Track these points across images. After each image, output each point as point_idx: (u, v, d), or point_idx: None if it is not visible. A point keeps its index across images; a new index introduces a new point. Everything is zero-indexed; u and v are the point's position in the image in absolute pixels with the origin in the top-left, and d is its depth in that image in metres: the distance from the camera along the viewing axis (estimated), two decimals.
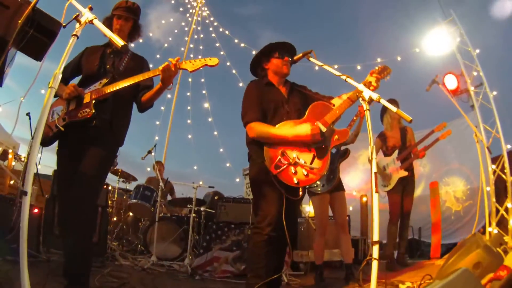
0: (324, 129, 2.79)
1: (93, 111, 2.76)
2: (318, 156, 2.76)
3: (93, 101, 2.80)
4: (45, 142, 2.90)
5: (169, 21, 13.34)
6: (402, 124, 5.61)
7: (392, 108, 2.41)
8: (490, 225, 5.71)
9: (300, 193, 2.84)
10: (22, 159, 7.71)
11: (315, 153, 2.78)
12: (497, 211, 6.05)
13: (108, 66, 3.05)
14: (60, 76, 2.17)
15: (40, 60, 2.61)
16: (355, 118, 4.42)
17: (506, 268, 2.18)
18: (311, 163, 2.74)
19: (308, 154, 2.78)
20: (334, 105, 2.93)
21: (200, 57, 3.08)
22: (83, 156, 2.78)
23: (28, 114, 4.54)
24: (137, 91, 3.09)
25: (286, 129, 2.81)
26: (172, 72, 2.78)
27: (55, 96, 2.86)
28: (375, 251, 2.06)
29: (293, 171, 2.71)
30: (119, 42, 2.31)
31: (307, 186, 3.67)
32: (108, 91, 2.81)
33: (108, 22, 3.09)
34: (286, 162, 2.72)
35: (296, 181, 2.69)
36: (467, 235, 5.65)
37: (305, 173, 2.70)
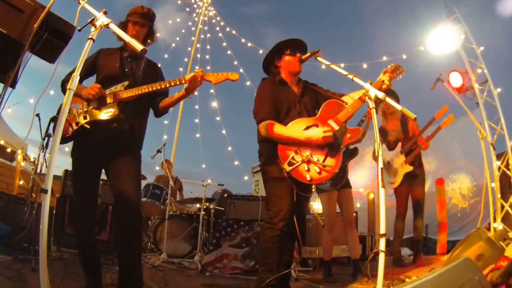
0: (336, 128, 2.84)
1: (117, 112, 2.79)
2: (330, 154, 2.80)
3: (117, 102, 2.83)
4: (62, 140, 2.85)
5: (176, 21, 13.48)
6: (400, 114, 5.43)
7: (397, 106, 2.46)
8: (495, 220, 5.74)
9: (313, 189, 2.88)
10: (32, 160, 7.77)
11: (328, 151, 2.81)
12: (502, 207, 6.08)
13: (127, 70, 3.06)
14: (78, 79, 2.21)
15: (53, 62, 2.60)
16: (363, 118, 4.43)
17: (506, 258, 2.24)
18: (323, 161, 2.77)
19: (321, 151, 2.81)
20: (346, 104, 2.96)
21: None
22: (117, 169, 2.84)
23: (38, 115, 4.57)
24: (154, 97, 3.10)
25: (298, 131, 2.83)
26: (198, 83, 2.84)
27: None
28: (382, 243, 2.11)
29: (306, 169, 2.74)
30: (138, 46, 2.31)
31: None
32: (132, 94, 2.84)
33: (122, 27, 3.01)
34: (300, 160, 2.76)
35: (309, 178, 2.73)
36: None
37: (318, 170, 2.74)
